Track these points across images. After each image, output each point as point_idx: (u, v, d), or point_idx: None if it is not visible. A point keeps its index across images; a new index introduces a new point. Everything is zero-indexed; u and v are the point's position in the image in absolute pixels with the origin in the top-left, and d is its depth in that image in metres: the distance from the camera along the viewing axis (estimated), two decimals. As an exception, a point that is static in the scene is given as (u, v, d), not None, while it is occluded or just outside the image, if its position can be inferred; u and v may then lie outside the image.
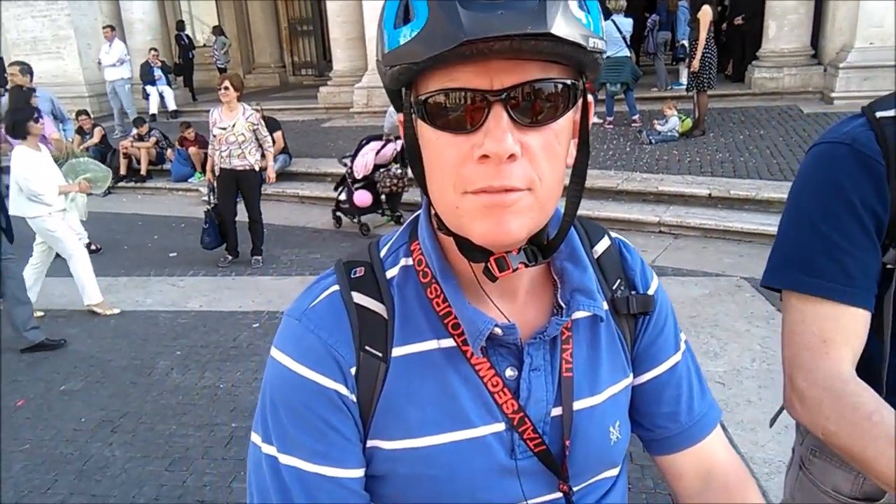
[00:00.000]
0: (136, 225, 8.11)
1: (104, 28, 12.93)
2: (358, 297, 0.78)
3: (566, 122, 0.69)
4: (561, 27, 0.61)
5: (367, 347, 0.76)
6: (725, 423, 3.43)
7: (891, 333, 1.04)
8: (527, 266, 0.73)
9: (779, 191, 6.39)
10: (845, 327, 1.00)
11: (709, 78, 8.53)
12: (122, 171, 9.97)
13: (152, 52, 13.51)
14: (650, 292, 0.88)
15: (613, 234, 0.91)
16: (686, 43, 9.94)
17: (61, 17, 14.12)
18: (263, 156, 6.45)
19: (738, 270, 5.40)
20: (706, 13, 8.28)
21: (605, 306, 0.84)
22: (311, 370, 0.75)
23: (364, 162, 6.93)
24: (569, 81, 0.67)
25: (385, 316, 0.78)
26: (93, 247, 6.72)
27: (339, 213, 7.35)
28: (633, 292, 0.87)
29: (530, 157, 0.66)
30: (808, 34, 10.49)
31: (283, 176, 9.05)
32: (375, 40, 0.72)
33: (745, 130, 8.75)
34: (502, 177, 0.64)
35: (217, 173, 6.29)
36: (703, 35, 8.27)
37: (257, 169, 6.36)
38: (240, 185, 6.35)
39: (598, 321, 0.82)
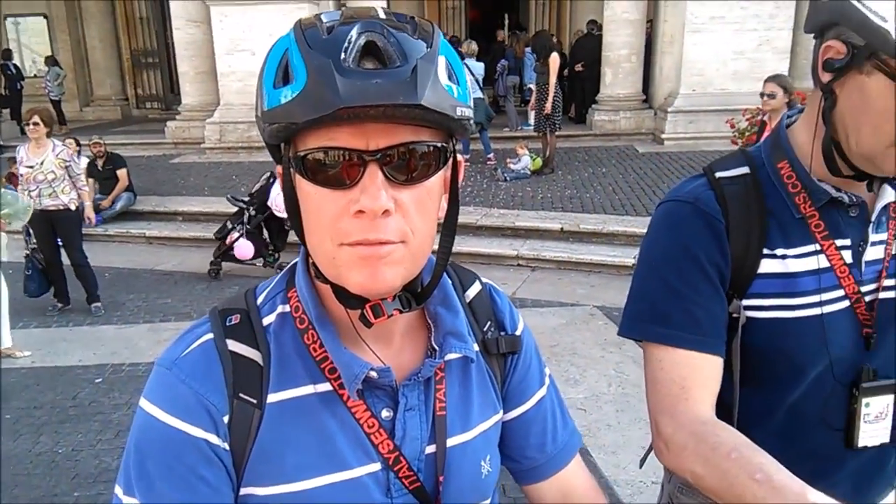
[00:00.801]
0: (-49, 273, 7.20)
1: None
2: (233, 345, 0.79)
3: (437, 180, 0.74)
4: (430, 98, 0.66)
5: (241, 395, 0.76)
6: (588, 447, 3.58)
7: (739, 377, 1.11)
8: (401, 312, 0.77)
9: (622, 224, 6.89)
10: (699, 373, 1.06)
11: (558, 119, 9.10)
12: (-65, 213, 8.87)
13: (-29, 81, 12.29)
14: (517, 333, 0.94)
15: (484, 280, 0.97)
16: (533, 87, 10.54)
17: None
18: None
19: (591, 300, 5.72)
20: (555, 60, 8.84)
21: (476, 347, 0.89)
22: (180, 420, 0.74)
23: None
24: (438, 144, 0.72)
25: (260, 363, 0.79)
26: None
27: (219, 260, 6.71)
28: (501, 333, 0.93)
29: (403, 213, 0.70)
30: (640, 81, 11.53)
31: (127, 215, 8.50)
32: (255, 95, 0.75)
33: (589, 168, 9.38)
34: (377, 230, 0.68)
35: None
36: (553, 80, 8.81)
37: (73, 208, 5.85)
38: (55, 228, 5.82)
39: (470, 362, 0.87)
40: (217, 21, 11.11)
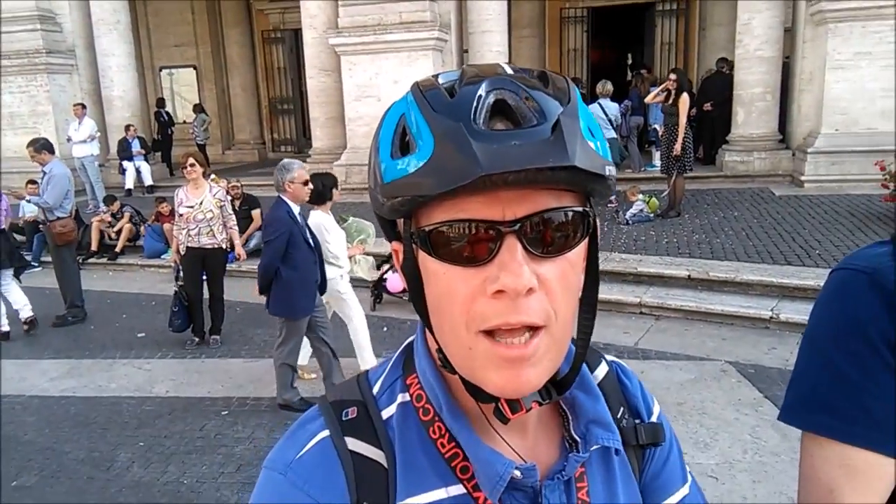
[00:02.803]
0: (104, 303, 7.85)
1: (74, 106, 12.97)
2: (353, 444, 0.69)
3: (580, 251, 0.66)
4: (582, 159, 0.59)
5: None
6: (721, 522, 3.27)
7: None
8: (541, 405, 0.67)
9: (757, 273, 6.42)
10: (860, 476, 0.90)
11: (689, 161, 8.75)
12: (94, 248, 9.75)
13: (131, 128, 13.55)
14: (654, 419, 0.83)
15: (609, 358, 0.86)
16: (658, 127, 10.20)
17: (40, 94, 14.13)
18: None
19: (722, 354, 5.32)
20: (685, 101, 8.55)
21: None
22: None
23: None
24: (581, 209, 0.64)
25: (384, 464, 0.69)
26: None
27: (376, 291, 7.05)
28: (637, 421, 0.81)
29: (546, 290, 0.62)
30: (776, 120, 10.89)
31: (259, 253, 8.89)
32: (369, 166, 0.68)
33: (719, 212, 8.90)
34: (519, 312, 0.60)
35: (183, 253, 6.14)
36: (682, 121, 8.51)
37: (224, 247, 6.23)
38: (205, 263, 6.19)
39: (612, 454, 0.76)
40: (346, 69, 11.67)
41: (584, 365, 0.78)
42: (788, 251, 6.94)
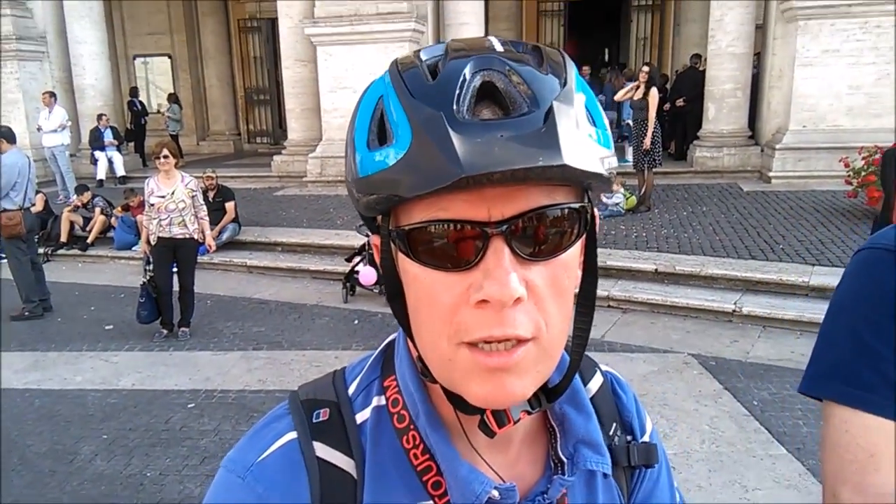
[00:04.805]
0: (72, 295, 7.78)
1: (43, 94, 12.75)
2: (321, 450, 0.64)
3: (575, 251, 0.60)
4: (576, 155, 0.53)
5: None
6: (674, 510, 3.34)
7: None
8: (529, 413, 0.63)
9: (722, 267, 6.54)
10: (894, 443, 0.94)
11: (658, 156, 8.86)
12: (64, 239, 9.63)
13: (104, 117, 13.39)
14: (646, 438, 0.78)
15: (604, 368, 0.81)
16: (631, 122, 10.32)
17: (10, 81, 13.90)
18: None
19: (686, 347, 5.42)
20: (654, 96, 8.67)
21: None
22: None
23: None
24: (577, 205, 0.57)
25: (354, 475, 0.64)
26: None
27: (348, 283, 7.05)
28: (629, 438, 0.77)
29: (536, 298, 0.56)
30: (746, 116, 11.05)
31: (231, 245, 8.88)
32: (345, 155, 0.63)
33: (688, 207, 9.02)
34: (505, 324, 0.55)
35: (153, 243, 6.10)
36: (652, 115, 8.64)
37: (196, 237, 6.20)
38: (177, 254, 6.14)
39: (598, 476, 0.71)
40: (322, 60, 11.62)
41: (578, 377, 0.73)
42: (753, 246, 7.06)
